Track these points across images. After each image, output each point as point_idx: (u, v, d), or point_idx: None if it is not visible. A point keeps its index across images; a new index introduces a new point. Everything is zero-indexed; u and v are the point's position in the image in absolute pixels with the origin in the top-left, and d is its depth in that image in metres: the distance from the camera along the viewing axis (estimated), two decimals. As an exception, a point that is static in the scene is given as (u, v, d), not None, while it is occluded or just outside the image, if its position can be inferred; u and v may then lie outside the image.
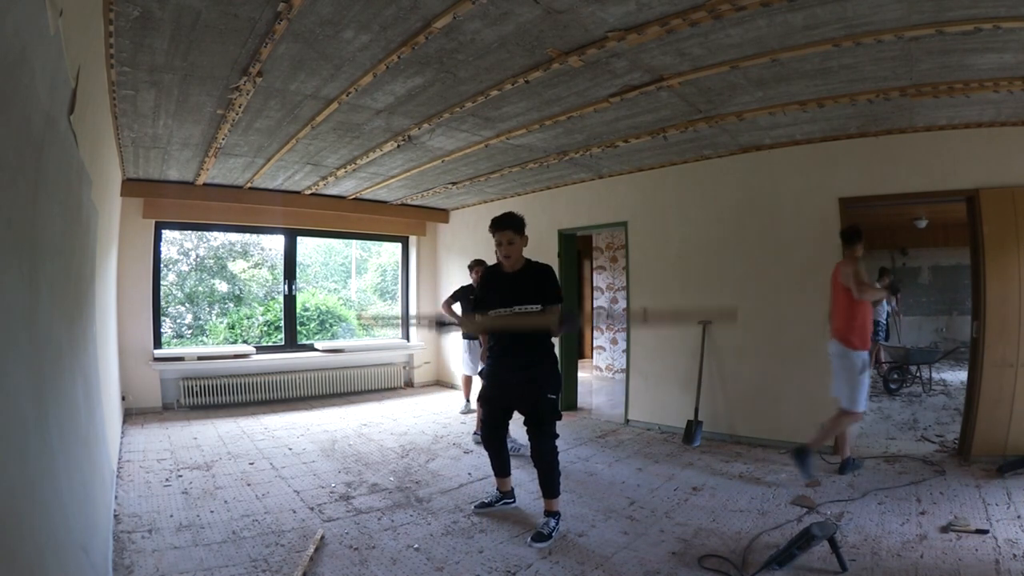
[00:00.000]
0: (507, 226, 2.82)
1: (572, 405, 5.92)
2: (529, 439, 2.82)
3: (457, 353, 6.39)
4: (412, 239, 7.63)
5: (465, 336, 5.48)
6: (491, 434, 2.98)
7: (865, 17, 2.29)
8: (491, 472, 3.13)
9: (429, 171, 5.02)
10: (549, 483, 2.78)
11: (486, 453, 3.06)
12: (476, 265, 5.31)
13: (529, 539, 2.65)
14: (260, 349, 6.46)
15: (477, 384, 5.89)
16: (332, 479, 3.56)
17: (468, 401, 5.70)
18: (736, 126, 3.76)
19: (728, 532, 2.73)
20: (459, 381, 6.43)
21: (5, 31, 0.86)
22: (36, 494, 1.07)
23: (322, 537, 2.63)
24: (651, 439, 4.65)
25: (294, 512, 2.98)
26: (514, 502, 3.11)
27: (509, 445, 4.37)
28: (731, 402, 4.52)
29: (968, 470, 3.48)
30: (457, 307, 5.32)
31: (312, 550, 2.46)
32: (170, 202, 5.42)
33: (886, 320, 7.87)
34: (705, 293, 4.67)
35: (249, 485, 3.40)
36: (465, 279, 5.75)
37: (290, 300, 6.67)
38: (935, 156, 3.72)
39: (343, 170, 4.88)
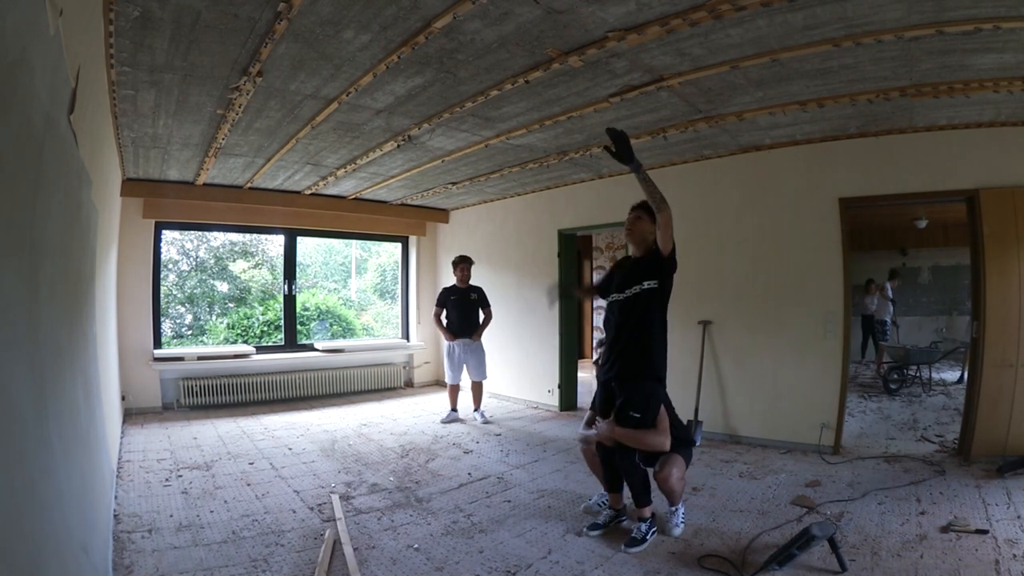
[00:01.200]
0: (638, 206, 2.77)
1: (572, 405, 5.93)
2: None
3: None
4: (412, 239, 7.63)
5: (454, 337, 5.37)
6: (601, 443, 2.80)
7: (865, 17, 2.29)
8: (491, 472, 3.10)
9: (429, 171, 5.02)
10: (632, 494, 2.72)
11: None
12: (460, 262, 5.41)
13: (623, 545, 2.58)
14: (260, 349, 6.45)
15: (465, 393, 5.81)
16: (332, 479, 3.56)
17: (454, 410, 5.43)
18: (736, 126, 3.76)
19: (728, 532, 2.73)
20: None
21: (5, 31, 0.86)
22: (36, 494, 1.07)
23: (335, 540, 2.61)
24: (651, 439, 4.64)
25: (294, 512, 2.98)
26: (625, 519, 2.88)
27: (477, 417, 5.06)
28: (731, 402, 4.52)
29: (968, 470, 3.48)
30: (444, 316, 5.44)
31: (329, 553, 2.45)
32: (170, 202, 5.42)
33: (891, 320, 7.87)
34: (705, 293, 4.67)
35: (249, 485, 3.40)
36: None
37: (290, 300, 6.67)
38: (935, 156, 3.72)
39: (343, 170, 4.88)
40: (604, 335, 2.99)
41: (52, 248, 1.38)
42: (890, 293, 7.82)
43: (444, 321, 5.43)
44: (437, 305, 5.49)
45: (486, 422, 5.25)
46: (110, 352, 3.78)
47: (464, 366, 5.39)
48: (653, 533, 2.66)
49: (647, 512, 2.70)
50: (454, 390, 5.44)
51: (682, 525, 2.75)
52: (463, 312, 5.37)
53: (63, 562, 1.25)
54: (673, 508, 2.78)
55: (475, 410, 5.43)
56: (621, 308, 2.71)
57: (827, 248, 4.06)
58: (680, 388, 4.75)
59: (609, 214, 5.41)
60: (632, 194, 5.18)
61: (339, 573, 2.33)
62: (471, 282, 5.48)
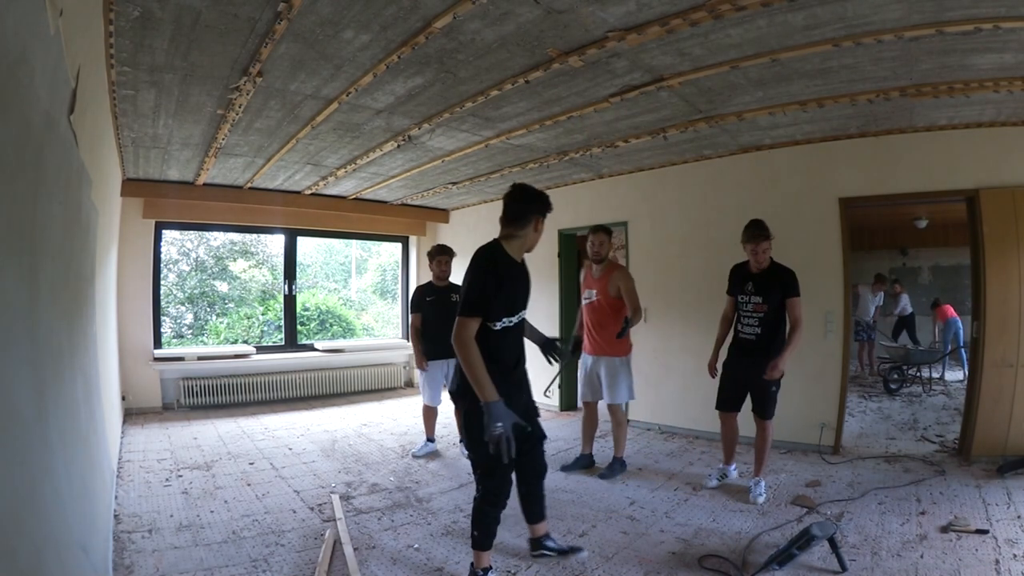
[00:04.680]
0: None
1: (572, 405, 5.92)
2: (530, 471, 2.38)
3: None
4: (412, 239, 7.64)
5: (430, 356, 4.08)
6: (505, 487, 2.22)
7: (865, 17, 2.29)
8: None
9: (429, 171, 5.02)
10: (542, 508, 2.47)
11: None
12: (438, 253, 4.16)
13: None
14: (260, 349, 6.46)
15: (446, 416, 4.29)
16: (332, 479, 3.56)
17: (431, 439, 4.22)
18: (736, 126, 3.76)
19: (728, 532, 2.73)
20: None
21: (5, 31, 0.86)
22: (36, 494, 1.07)
23: (335, 540, 2.61)
24: (651, 439, 4.65)
25: (294, 512, 2.98)
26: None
27: (464, 450, 3.84)
28: (730, 402, 4.50)
29: (968, 470, 3.48)
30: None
31: (330, 553, 2.45)
32: (170, 202, 5.42)
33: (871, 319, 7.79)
34: (705, 293, 4.67)
35: (249, 485, 3.40)
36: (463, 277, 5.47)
37: (290, 300, 6.67)
38: (935, 156, 3.72)
39: (343, 170, 4.88)
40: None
41: (52, 248, 1.38)
42: (869, 295, 7.78)
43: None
44: (412, 310, 4.20)
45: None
46: (110, 352, 3.78)
47: (445, 380, 4.04)
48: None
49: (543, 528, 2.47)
50: (431, 413, 4.18)
51: (764, 494, 3.15)
52: (443, 319, 3.64)
53: (63, 562, 1.25)
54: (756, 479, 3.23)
55: (460, 440, 4.12)
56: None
57: (827, 248, 4.06)
58: (680, 388, 4.76)
59: (609, 214, 5.41)
60: (631, 194, 5.23)
61: (339, 573, 2.33)
62: (452, 279, 4.17)
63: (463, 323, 2.05)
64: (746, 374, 3.24)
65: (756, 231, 3.17)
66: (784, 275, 3.17)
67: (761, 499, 3.13)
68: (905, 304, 7.96)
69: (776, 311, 3.16)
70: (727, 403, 3.38)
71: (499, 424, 1.98)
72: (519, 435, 2.10)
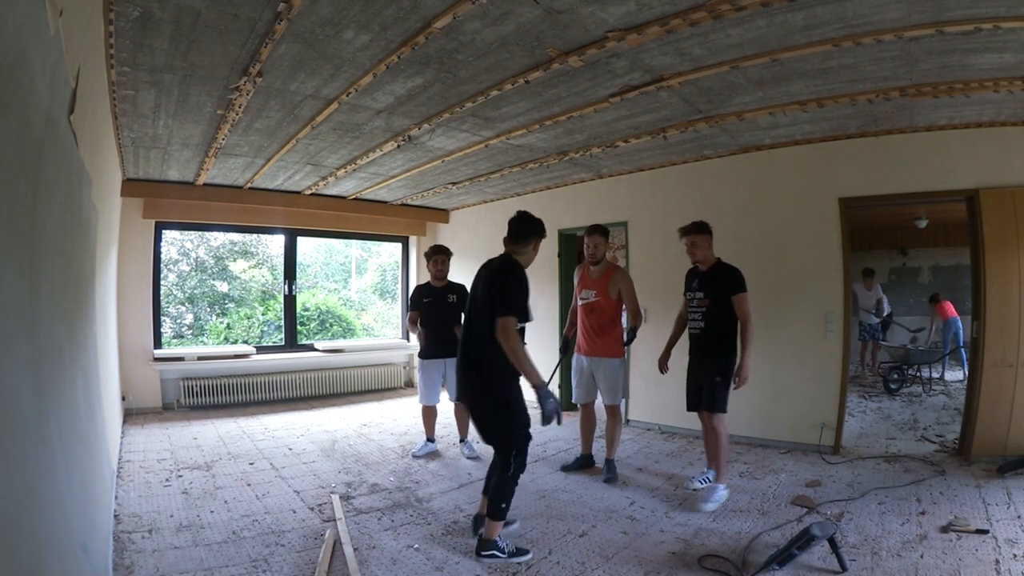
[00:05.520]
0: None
1: (571, 406, 5.91)
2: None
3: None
4: (412, 239, 7.64)
5: (428, 355, 4.16)
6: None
7: (865, 17, 2.29)
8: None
9: (429, 171, 5.02)
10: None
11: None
12: (435, 254, 4.19)
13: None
14: (260, 349, 6.45)
15: (446, 415, 4.59)
16: (332, 479, 3.56)
17: (431, 440, 4.22)
18: (736, 126, 3.76)
19: (728, 532, 2.73)
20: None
21: (5, 31, 0.86)
22: (36, 494, 1.07)
23: (335, 540, 2.61)
24: (651, 439, 4.65)
25: (294, 512, 2.98)
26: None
27: (464, 450, 4.14)
28: (731, 402, 4.50)
29: (968, 470, 3.48)
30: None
31: (330, 553, 2.45)
32: (170, 202, 5.42)
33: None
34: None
35: (249, 485, 3.40)
36: (465, 277, 5.46)
37: (290, 300, 6.68)
38: (935, 156, 3.72)
39: (343, 170, 4.89)
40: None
41: (52, 248, 1.38)
42: (865, 291, 7.36)
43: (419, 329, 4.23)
44: (411, 308, 4.27)
45: (472, 456, 4.03)
46: (110, 352, 3.78)
47: (443, 380, 4.14)
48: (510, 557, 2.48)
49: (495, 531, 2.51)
50: (430, 413, 4.20)
51: (717, 503, 3.06)
52: (440, 319, 4.05)
53: (63, 562, 1.25)
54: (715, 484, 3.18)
55: (461, 441, 4.21)
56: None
57: (827, 248, 4.06)
58: (680, 388, 4.74)
59: (609, 214, 5.41)
60: (631, 194, 5.23)
61: (339, 573, 2.33)
62: (451, 278, 4.25)
63: (508, 321, 2.41)
64: (695, 369, 3.35)
65: (687, 225, 3.33)
66: (727, 273, 3.24)
67: (710, 507, 2.99)
68: (886, 308, 7.89)
69: (719, 307, 3.22)
70: (690, 402, 3.42)
71: (552, 400, 2.46)
72: None
